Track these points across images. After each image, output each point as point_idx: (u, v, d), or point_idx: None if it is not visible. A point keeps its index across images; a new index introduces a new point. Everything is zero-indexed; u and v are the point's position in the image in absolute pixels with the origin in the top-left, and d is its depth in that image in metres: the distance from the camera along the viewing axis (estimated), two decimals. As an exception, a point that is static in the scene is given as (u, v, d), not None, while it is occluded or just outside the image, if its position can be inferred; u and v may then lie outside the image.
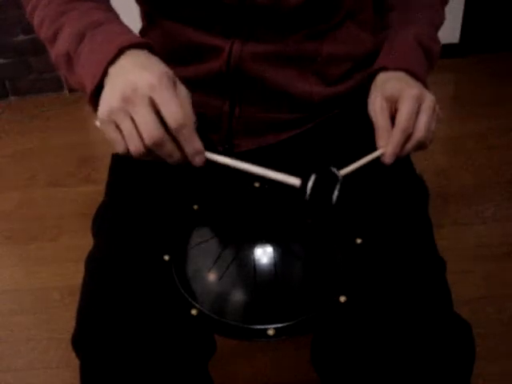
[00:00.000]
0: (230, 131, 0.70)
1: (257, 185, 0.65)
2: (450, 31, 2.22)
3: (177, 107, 0.46)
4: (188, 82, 0.69)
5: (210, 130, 0.72)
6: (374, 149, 0.60)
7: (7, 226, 1.57)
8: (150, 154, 0.48)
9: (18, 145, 1.98)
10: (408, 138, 0.58)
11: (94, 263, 0.61)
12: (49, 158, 1.86)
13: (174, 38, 0.66)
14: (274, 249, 0.54)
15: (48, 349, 1.16)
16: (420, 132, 0.58)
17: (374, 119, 0.61)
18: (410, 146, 0.58)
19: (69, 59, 0.55)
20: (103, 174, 0.72)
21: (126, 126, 0.47)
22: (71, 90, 2.27)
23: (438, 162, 1.68)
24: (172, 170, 0.60)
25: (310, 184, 0.49)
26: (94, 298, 0.57)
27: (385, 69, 0.64)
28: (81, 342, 0.56)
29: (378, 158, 0.59)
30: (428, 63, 0.66)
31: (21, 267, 1.42)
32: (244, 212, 0.61)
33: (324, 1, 0.62)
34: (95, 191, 0.71)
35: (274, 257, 0.54)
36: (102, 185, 0.72)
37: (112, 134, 0.48)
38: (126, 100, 0.46)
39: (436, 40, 0.68)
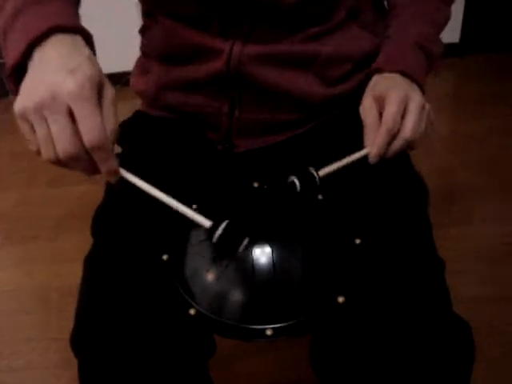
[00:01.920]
0: (230, 131, 0.70)
1: (255, 185, 0.65)
2: (450, 31, 2.22)
3: (94, 124, 0.44)
4: (188, 83, 0.69)
5: (210, 129, 0.72)
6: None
7: (6, 226, 1.57)
8: (62, 163, 0.47)
9: (18, 145, 1.97)
10: (394, 138, 0.59)
11: (92, 263, 0.61)
12: (49, 158, 1.86)
13: (173, 37, 0.66)
14: (272, 249, 0.54)
15: (48, 349, 1.16)
16: (406, 132, 0.58)
17: (362, 118, 0.62)
18: (396, 146, 0.59)
19: (5, 35, 0.51)
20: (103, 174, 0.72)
21: (41, 131, 0.45)
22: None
23: (437, 162, 1.68)
24: (171, 170, 0.60)
25: (218, 231, 0.50)
26: (92, 298, 0.57)
27: (380, 70, 0.64)
28: (79, 342, 0.56)
29: (363, 157, 0.60)
30: (428, 64, 0.66)
31: (20, 267, 1.42)
32: (242, 212, 0.61)
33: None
34: (95, 191, 0.71)
35: (273, 257, 0.54)
36: (102, 185, 0.72)
37: (26, 132, 0.46)
38: (44, 105, 0.44)
39: (437, 40, 0.68)
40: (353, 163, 0.61)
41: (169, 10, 0.66)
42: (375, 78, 0.65)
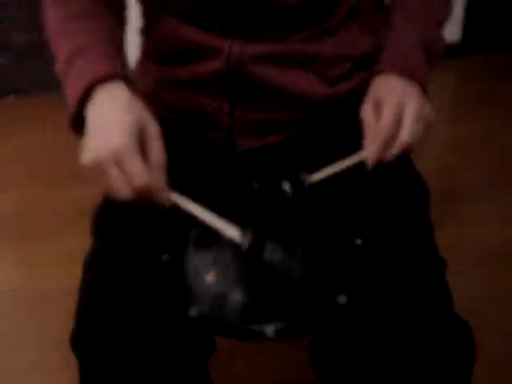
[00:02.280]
0: (230, 131, 0.70)
1: (256, 186, 0.65)
2: (450, 31, 2.22)
3: (139, 170, 0.51)
4: (188, 82, 0.69)
5: (210, 129, 0.72)
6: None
7: (6, 226, 1.57)
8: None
9: (18, 145, 1.97)
10: (391, 142, 0.59)
11: (92, 263, 0.61)
12: (49, 158, 1.86)
13: (173, 36, 0.66)
14: (272, 249, 0.54)
15: (48, 349, 1.16)
16: (403, 136, 0.59)
17: (363, 120, 0.63)
18: (394, 150, 0.60)
19: (63, 81, 0.61)
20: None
21: (103, 182, 0.53)
22: (71, 90, 2.27)
23: (438, 162, 1.68)
24: (171, 169, 0.60)
25: (246, 240, 0.53)
26: (92, 298, 0.57)
27: (381, 72, 0.64)
28: (79, 342, 0.56)
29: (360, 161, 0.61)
30: (429, 62, 0.66)
31: (20, 267, 1.42)
32: (243, 212, 0.61)
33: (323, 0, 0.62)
34: (95, 191, 0.71)
35: (273, 257, 0.54)
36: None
37: (99, 177, 0.53)
38: (98, 165, 0.52)
39: (438, 37, 0.68)
40: (348, 168, 0.61)
41: (169, 10, 0.66)
42: (376, 81, 0.65)
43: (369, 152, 0.60)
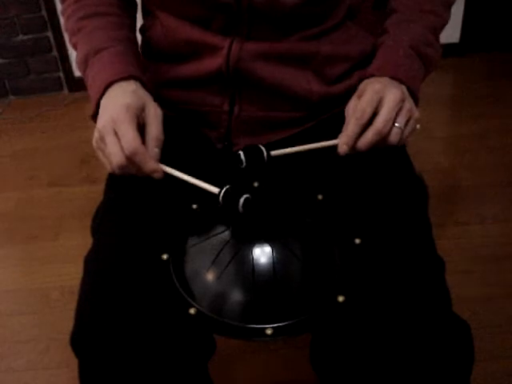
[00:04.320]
0: (229, 129, 0.70)
1: (256, 184, 0.65)
2: (450, 31, 2.22)
3: (128, 138, 0.56)
4: (188, 80, 0.69)
5: (209, 127, 0.72)
6: (372, 149, 0.60)
7: (7, 226, 1.57)
8: (123, 172, 0.59)
9: (18, 145, 1.98)
10: (364, 128, 0.59)
11: (92, 263, 0.61)
12: (49, 158, 1.86)
13: (173, 35, 0.67)
14: (272, 248, 0.54)
15: (48, 349, 1.16)
16: (377, 123, 0.58)
17: (345, 114, 0.63)
18: (366, 137, 0.59)
19: (83, 76, 0.68)
20: (103, 174, 0.72)
21: (104, 153, 0.59)
22: (71, 90, 2.27)
23: (437, 162, 1.68)
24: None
25: (222, 192, 0.55)
26: (92, 297, 0.57)
27: (372, 76, 0.64)
28: (79, 341, 0.56)
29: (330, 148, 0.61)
30: (423, 67, 0.66)
31: (21, 267, 1.42)
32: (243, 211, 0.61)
33: (322, 1, 0.62)
34: (95, 191, 0.71)
35: (273, 256, 0.54)
36: (102, 185, 0.72)
37: (100, 157, 0.60)
38: (101, 134, 0.58)
39: (433, 44, 0.67)
40: (318, 149, 0.62)
41: (169, 9, 0.66)
42: (363, 82, 0.65)
43: (342, 137, 0.60)
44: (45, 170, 1.80)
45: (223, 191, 0.55)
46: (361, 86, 0.64)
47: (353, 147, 0.60)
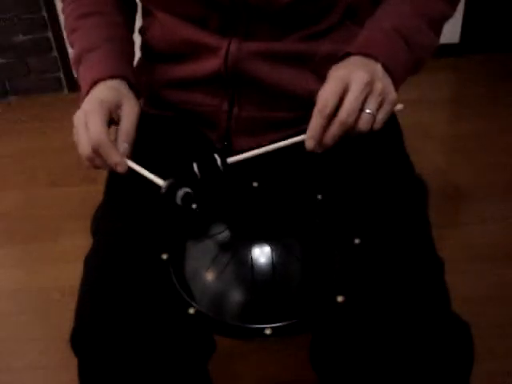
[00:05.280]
0: (229, 130, 0.70)
1: (255, 184, 0.65)
2: (450, 31, 2.22)
3: (94, 129, 0.58)
4: (187, 81, 0.69)
5: (208, 128, 0.72)
6: (372, 149, 0.60)
7: (7, 226, 1.57)
8: (88, 162, 0.60)
9: (18, 145, 1.98)
10: (328, 121, 0.55)
11: (92, 262, 0.61)
12: (49, 158, 1.86)
13: (172, 35, 0.67)
14: (271, 248, 0.54)
15: (48, 349, 1.16)
16: (343, 113, 0.54)
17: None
18: (331, 131, 0.55)
19: (76, 74, 0.69)
20: (103, 174, 0.72)
21: (77, 143, 0.60)
22: (71, 90, 2.27)
23: (437, 162, 1.68)
24: (170, 168, 0.60)
25: (164, 186, 0.57)
26: (92, 297, 0.57)
27: (347, 54, 0.61)
28: (79, 341, 0.56)
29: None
30: (409, 52, 0.61)
31: (21, 267, 1.42)
32: (242, 211, 0.61)
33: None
34: (95, 191, 0.71)
35: (272, 256, 0.54)
36: (102, 185, 0.72)
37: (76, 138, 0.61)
38: (76, 126, 0.60)
39: (423, 31, 0.63)
40: (280, 149, 0.58)
41: (167, 9, 0.66)
42: (333, 67, 0.61)
43: (308, 131, 0.56)
44: (45, 170, 1.80)
45: (166, 184, 0.56)
46: (329, 72, 0.60)
47: (320, 142, 0.56)
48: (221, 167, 0.59)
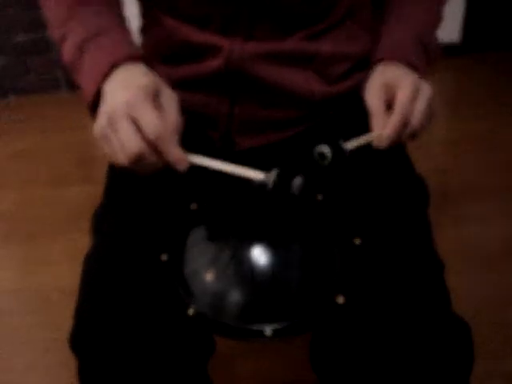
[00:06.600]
0: (230, 129, 0.70)
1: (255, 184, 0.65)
2: (450, 31, 2.22)
3: (150, 119, 0.49)
4: (188, 81, 0.69)
5: (210, 128, 0.72)
6: (372, 149, 0.60)
7: (7, 226, 1.57)
8: (137, 164, 0.51)
9: (18, 145, 1.97)
10: (406, 123, 0.58)
11: (91, 263, 0.61)
12: (49, 158, 1.86)
13: (173, 35, 0.66)
14: (271, 249, 0.54)
15: (48, 349, 1.16)
16: (416, 119, 0.57)
17: (369, 104, 0.61)
18: (406, 132, 0.58)
19: (73, 68, 0.60)
20: (103, 174, 0.72)
21: (113, 141, 0.51)
22: (71, 90, 2.27)
23: (438, 162, 1.68)
24: (170, 169, 0.60)
25: (272, 177, 0.51)
26: (91, 297, 0.57)
27: (383, 60, 0.64)
28: (78, 341, 0.56)
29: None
30: (427, 59, 0.66)
31: (20, 267, 1.42)
32: (242, 212, 0.61)
33: None
34: (95, 191, 0.71)
35: (272, 257, 0.54)
36: (102, 185, 0.72)
37: (105, 147, 0.52)
38: (110, 120, 0.50)
39: (433, 37, 0.68)
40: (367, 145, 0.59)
41: (168, 8, 0.66)
42: (380, 67, 0.64)
43: (385, 129, 0.57)
44: (45, 170, 1.80)
45: (275, 174, 0.50)
46: (382, 77, 0.62)
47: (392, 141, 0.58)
48: (347, 153, 0.57)
